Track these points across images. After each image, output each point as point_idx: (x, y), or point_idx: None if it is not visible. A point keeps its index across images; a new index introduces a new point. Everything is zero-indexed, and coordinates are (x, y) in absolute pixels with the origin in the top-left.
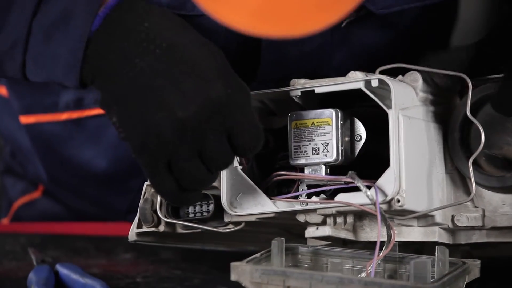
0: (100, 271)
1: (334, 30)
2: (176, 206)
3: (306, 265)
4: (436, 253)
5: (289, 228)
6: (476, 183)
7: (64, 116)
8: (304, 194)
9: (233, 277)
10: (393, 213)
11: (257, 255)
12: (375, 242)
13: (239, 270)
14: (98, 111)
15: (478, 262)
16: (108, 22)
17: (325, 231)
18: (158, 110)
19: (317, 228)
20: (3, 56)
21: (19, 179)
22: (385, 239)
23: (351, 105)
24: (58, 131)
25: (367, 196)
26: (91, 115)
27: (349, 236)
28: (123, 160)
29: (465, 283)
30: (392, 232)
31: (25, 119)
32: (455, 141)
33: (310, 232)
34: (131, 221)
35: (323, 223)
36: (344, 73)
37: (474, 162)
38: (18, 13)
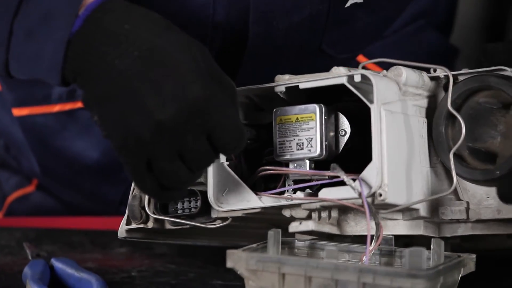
0: (95, 265)
1: (336, 7)
2: (161, 202)
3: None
4: (432, 245)
5: (277, 223)
6: (460, 176)
7: (57, 108)
8: (290, 190)
9: (229, 264)
10: (376, 207)
11: (253, 245)
12: (361, 236)
13: (235, 257)
14: None
15: (474, 256)
16: (88, 23)
17: (308, 225)
18: (136, 112)
19: (300, 223)
20: None
21: (13, 173)
22: (373, 231)
23: (337, 99)
24: (51, 123)
25: (352, 186)
26: (83, 107)
27: (333, 230)
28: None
29: (460, 276)
30: (379, 222)
31: (17, 112)
32: (440, 134)
33: (293, 226)
34: (124, 213)
35: (308, 217)
36: (336, 50)
37: (458, 155)
38: (0, 13)
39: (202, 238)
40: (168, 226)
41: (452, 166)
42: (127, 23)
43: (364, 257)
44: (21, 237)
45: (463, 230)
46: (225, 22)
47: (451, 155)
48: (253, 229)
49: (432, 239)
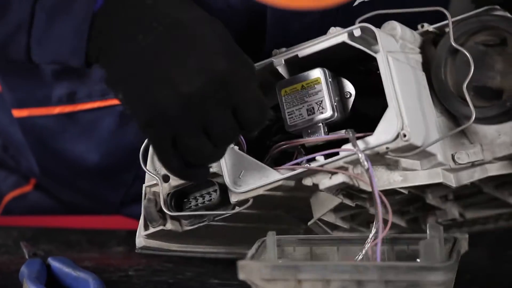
0: (92, 264)
1: (345, 7)
2: (185, 181)
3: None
4: (428, 231)
5: (294, 203)
6: (463, 114)
7: (57, 110)
8: (302, 160)
9: (241, 276)
10: (398, 151)
11: (253, 250)
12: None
13: (248, 269)
14: (91, 105)
15: (466, 235)
16: (111, 0)
17: (339, 178)
18: (162, 87)
19: (330, 178)
20: (8, 39)
21: (11, 172)
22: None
23: (334, 70)
24: (51, 125)
25: (360, 156)
26: (83, 109)
27: (362, 185)
28: (116, 154)
29: (459, 256)
30: (387, 204)
31: (17, 113)
32: (441, 82)
33: (325, 183)
34: (125, 214)
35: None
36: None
37: (462, 99)
38: None
39: (219, 239)
40: (185, 227)
41: (468, 97)
42: None
43: (373, 246)
44: (18, 236)
45: (479, 174)
46: (238, 27)
47: (464, 87)
48: (268, 223)
49: (428, 225)
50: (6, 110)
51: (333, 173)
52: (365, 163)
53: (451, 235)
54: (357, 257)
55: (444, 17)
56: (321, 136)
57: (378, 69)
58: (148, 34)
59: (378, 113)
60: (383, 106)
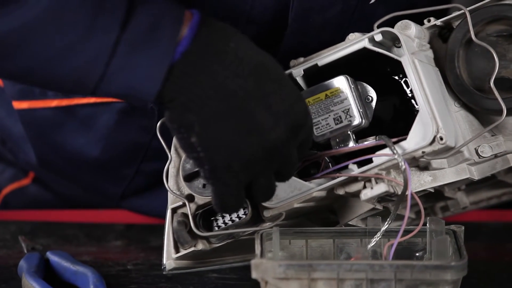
0: (90, 258)
1: (360, 4)
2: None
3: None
4: (429, 225)
5: (313, 214)
6: (490, 110)
7: (54, 103)
8: (334, 169)
9: (255, 275)
10: (433, 154)
11: (258, 247)
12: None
13: (262, 268)
14: (87, 100)
15: (462, 228)
16: (197, 42)
17: (381, 188)
18: (249, 132)
19: (372, 188)
20: (83, 66)
21: (9, 165)
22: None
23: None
24: (50, 118)
25: (399, 161)
26: (80, 104)
27: (396, 190)
28: (116, 150)
29: None
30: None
31: (18, 105)
32: (457, 77)
33: (366, 193)
34: (125, 207)
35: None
36: None
37: (481, 90)
38: (105, 26)
39: (239, 249)
40: (213, 245)
41: (496, 93)
42: (231, 41)
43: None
44: (16, 230)
45: (501, 165)
46: (260, 18)
47: (491, 83)
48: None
49: (428, 218)
50: (4, 104)
51: (367, 181)
52: (405, 167)
53: (448, 228)
54: (369, 246)
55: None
56: (355, 144)
57: (385, 67)
58: (235, 78)
59: (390, 114)
60: (394, 106)
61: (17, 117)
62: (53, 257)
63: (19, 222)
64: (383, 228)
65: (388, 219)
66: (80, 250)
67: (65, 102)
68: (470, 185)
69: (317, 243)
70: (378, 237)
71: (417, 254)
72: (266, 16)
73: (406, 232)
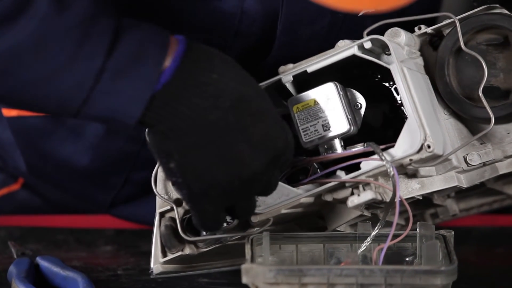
0: (80, 263)
1: (349, 16)
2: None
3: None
4: (418, 229)
5: (302, 220)
6: (479, 118)
7: None
8: (321, 174)
9: (245, 280)
10: (421, 162)
11: (249, 252)
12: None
13: (253, 273)
14: None
15: (452, 232)
16: (179, 73)
17: (368, 195)
18: (228, 163)
19: (358, 195)
20: (68, 90)
21: None
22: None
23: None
24: (39, 125)
25: (388, 167)
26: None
27: (384, 198)
28: (106, 158)
29: None
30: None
31: (7, 112)
32: (446, 85)
33: (353, 200)
34: (114, 214)
35: (351, 194)
36: None
37: (470, 99)
38: (91, 52)
39: (227, 253)
40: (201, 249)
41: (485, 101)
42: (214, 72)
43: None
44: (6, 235)
45: (490, 173)
46: (248, 31)
47: (480, 91)
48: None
49: (418, 223)
50: None
51: (354, 188)
52: (393, 173)
53: (437, 232)
54: (359, 251)
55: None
56: (342, 151)
57: (375, 74)
58: (215, 110)
59: (379, 121)
60: (384, 113)
61: (6, 124)
62: (43, 262)
63: (9, 227)
64: (373, 233)
65: (378, 224)
66: (70, 255)
67: None
68: (459, 193)
69: (307, 248)
70: (368, 241)
71: (407, 259)
72: (255, 29)
73: (396, 237)
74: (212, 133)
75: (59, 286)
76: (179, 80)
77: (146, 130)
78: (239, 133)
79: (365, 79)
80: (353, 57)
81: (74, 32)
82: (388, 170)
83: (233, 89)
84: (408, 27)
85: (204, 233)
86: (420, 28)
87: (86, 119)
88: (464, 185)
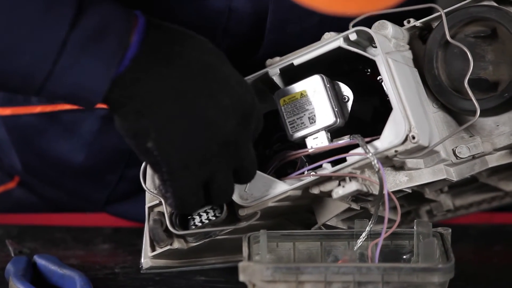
0: (78, 262)
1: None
2: (181, 218)
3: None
4: (415, 227)
5: (292, 214)
6: (466, 111)
7: (38, 109)
8: (310, 168)
9: (242, 278)
10: (406, 153)
11: (246, 250)
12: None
13: (250, 271)
14: (71, 106)
15: (449, 230)
16: (144, 47)
17: (352, 186)
18: (203, 130)
19: (343, 186)
20: (28, 66)
21: None
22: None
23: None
24: (34, 124)
25: (372, 160)
26: (64, 110)
27: (370, 189)
28: (100, 156)
29: None
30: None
31: (1, 111)
32: (435, 77)
33: (338, 192)
34: (109, 212)
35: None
36: None
37: (458, 93)
38: (55, 23)
39: (219, 250)
40: (190, 244)
41: (470, 93)
42: (177, 44)
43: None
44: (3, 234)
45: (479, 166)
46: (237, 29)
47: (466, 84)
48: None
49: (415, 221)
50: None
51: (341, 180)
52: (378, 167)
53: (435, 230)
54: (355, 248)
55: (428, 10)
56: (329, 144)
57: (365, 68)
58: (184, 80)
59: (369, 115)
60: (374, 107)
61: (0, 123)
62: (40, 261)
63: (6, 226)
64: (367, 229)
65: (371, 219)
66: (68, 254)
67: (49, 108)
68: (454, 188)
69: (304, 246)
70: (364, 237)
71: (404, 256)
72: (243, 27)
73: (392, 234)
74: (184, 103)
75: (56, 285)
76: (147, 53)
77: (115, 113)
78: (209, 99)
79: (356, 73)
80: (342, 50)
81: (38, 1)
82: (372, 162)
83: (198, 59)
84: (400, 22)
85: (193, 227)
86: (409, 22)
87: (50, 98)
88: (454, 178)
